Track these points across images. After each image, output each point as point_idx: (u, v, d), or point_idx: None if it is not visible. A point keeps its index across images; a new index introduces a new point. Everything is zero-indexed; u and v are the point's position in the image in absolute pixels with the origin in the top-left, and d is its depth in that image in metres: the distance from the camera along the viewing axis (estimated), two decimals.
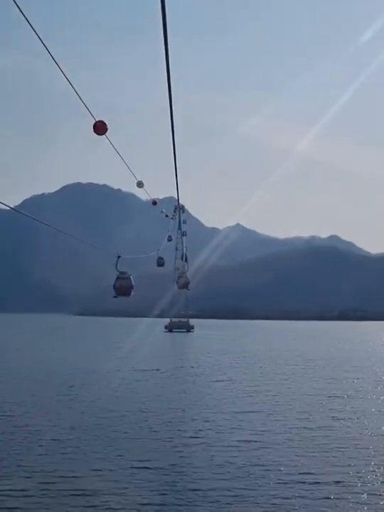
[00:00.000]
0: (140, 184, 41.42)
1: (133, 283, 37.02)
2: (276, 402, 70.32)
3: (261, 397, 74.21)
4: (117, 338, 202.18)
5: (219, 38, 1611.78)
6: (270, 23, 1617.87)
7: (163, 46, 12.74)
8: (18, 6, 15.20)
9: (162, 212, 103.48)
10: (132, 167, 36.59)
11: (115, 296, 37.60)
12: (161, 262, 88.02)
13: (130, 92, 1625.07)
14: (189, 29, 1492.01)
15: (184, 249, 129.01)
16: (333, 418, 60.71)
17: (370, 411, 64.90)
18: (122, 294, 37.11)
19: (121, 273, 37.06)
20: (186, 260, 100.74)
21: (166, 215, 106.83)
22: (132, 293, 36.98)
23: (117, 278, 37.07)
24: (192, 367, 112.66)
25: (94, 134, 22.80)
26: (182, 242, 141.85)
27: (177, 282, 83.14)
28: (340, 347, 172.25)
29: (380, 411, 65.10)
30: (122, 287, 37.00)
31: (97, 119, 22.79)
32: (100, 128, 22.66)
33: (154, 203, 60.44)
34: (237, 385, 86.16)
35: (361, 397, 75.10)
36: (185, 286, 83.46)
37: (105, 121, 22.51)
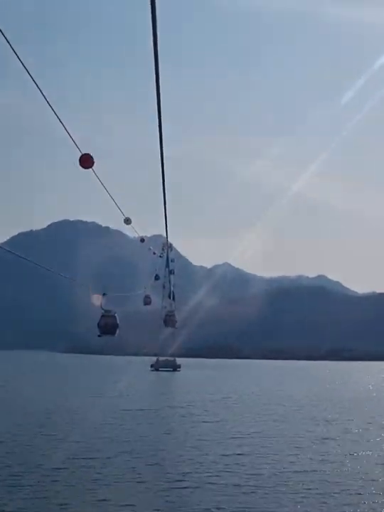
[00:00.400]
0: (128, 221, 40.61)
1: (118, 321, 35.90)
2: (266, 444, 68.73)
3: (250, 439, 72.61)
4: (103, 376, 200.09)
5: (214, 79, 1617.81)
6: (266, 67, 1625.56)
7: (155, 89, 13.34)
8: (15, 53, 15.12)
9: (150, 249, 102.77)
10: (121, 205, 35.86)
11: (100, 335, 36.40)
12: (147, 301, 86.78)
13: (123, 129, 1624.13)
14: (185, 71, 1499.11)
15: (172, 287, 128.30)
16: (324, 461, 59.24)
17: (361, 454, 63.43)
18: (107, 333, 35.92)
19: (107, 311, 35.88)
20: (174, 299, 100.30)
21: (154, 253, 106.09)
22: (117, 332, 35.84)
23: (102, 316, 35.90)
24: (179, 407, 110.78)
25: (82, 168, 22.00)
26: (169, 281, 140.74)
27: (164, 320, 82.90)
28: (329, 387, 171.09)
29: (371, 454, 63.59)
30: (107, 326, 35.82)
31: (83, 153, 22.02)
32: (86, 161, 21.82)
33: (142, 240, 60.19)
34: (225, 426, 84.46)
35: (352, 440, 73.53)
36: (172, 324, 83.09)
37: (91, 155, 21.70)
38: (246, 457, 60.43)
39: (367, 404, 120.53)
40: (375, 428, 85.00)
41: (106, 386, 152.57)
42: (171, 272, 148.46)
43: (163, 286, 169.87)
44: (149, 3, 10.44)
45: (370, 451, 65.65)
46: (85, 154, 21.81)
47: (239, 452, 63.11)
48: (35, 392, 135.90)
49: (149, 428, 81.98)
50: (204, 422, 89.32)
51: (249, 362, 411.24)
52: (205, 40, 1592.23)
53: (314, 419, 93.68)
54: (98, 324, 35.81)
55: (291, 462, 58.10)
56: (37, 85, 16.90)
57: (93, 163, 21.88)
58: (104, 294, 35.95)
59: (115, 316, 35.66)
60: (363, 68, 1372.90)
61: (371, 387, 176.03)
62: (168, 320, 77.68)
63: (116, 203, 33.54)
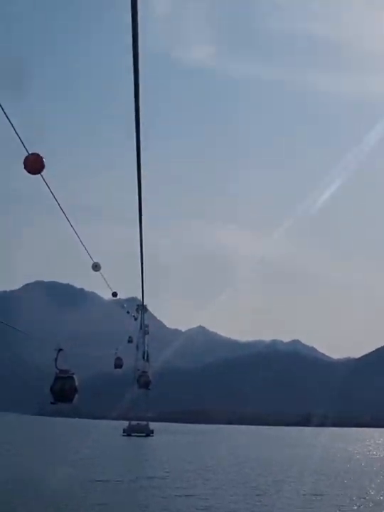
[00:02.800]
0: (96, 267, 33.91)
1: (77, 384, 28.46)
2: None
3: None
4: (71, 441, 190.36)
5: (181, 144, 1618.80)
6: (240, 127, 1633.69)
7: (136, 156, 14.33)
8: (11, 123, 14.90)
9: (124, 307, 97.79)
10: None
11: (53, 402, 28.97)
12: (118, 363, 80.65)
13: (101, 189, 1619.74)
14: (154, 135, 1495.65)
15: (146, 347, 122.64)
16: None
17: None
18: (63, 400, 28.38)
19: (62, 371, 28.53)
20: (148, 359, 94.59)
21: (128, 312, 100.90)
22: (76, 397, 28.40)
23: (56, 378, 28.43)
24: (154, 478, 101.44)
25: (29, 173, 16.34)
26: (144, 340, 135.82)
27: (138, 381, 78.79)
28: (310, 455, 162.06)
29: None
30: (63, 390, 28.10)
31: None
32: (35, 164, 15.76)
33: (114, 294, 54.69)
34: (203, 502, 75.95)
35: None
36: (146, 385, 78.23)
37: (40, 155, 15.65)
38: None
39: (356, 476, 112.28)
40: (373, 505, 76.82)
41: (74, 453, 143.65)
42: (146, 332, 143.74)
43: (137, 347, 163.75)
44: (132, 70, 11.47)
45: None
46: (33, 154, 15.63)
47: None
48: None
49: (121, 503, 73.70)
50: (184, 495, 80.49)
51: (223, 427, 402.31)
52: (171, 103, 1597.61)
53: (303, 493, 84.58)
54: (51, 388, 28.28)
55: None
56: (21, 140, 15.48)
57: (43, 166, 15.58)
58: (59, 350, 28.72)
59: (73, 378, 28.23)
60: (338, 136, 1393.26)
61: (356, 456, 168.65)
62: (142, 381, 75.62)
63: (86, 249, 27.85)
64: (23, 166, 15.16)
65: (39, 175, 15.86)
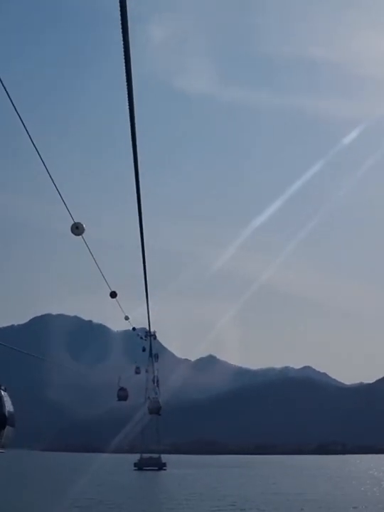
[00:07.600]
0: (77, 228, 25.12)
1: (7, 409, 17.52)
2: None
3: None
4: (79, 478, 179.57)
5: (188, 171, 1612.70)
6: (233, 149, 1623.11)
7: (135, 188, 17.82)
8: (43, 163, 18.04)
9: (134, 329, 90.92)
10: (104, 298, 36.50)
11: None
12: (123, 395, 71.67)
13: (106, 221, 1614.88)
14: (153, 160, 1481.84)
15: (155, 371, 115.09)
16: None
17: None
18: None
19: None
20: (157, 384, 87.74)
21: (135, 332, 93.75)
22: (7, 434, 17.54)
23: None
24: None
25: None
26: (153, 366, 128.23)
27: (148, 407, 74.76)
28: (335, 485, 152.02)
29: None
30: None
31: None
32: None
33: (126, 318, 58.58)
34: None
35: None
36: (157, 411, 72.67)
37: None
38: None
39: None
40: None
41: (85, 490, 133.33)
42: (155, 357, 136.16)
43: (146, 370, 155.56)
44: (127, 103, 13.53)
45: None
46: None
47: None
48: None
49: None
50: None
51: (237, 458, 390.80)
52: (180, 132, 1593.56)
53: None
54: None
55: None
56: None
57: None
58: None
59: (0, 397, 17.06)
60: (341, 158, 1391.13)
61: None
62: (152, 406, 73.45)
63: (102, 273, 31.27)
64: None
65: None
